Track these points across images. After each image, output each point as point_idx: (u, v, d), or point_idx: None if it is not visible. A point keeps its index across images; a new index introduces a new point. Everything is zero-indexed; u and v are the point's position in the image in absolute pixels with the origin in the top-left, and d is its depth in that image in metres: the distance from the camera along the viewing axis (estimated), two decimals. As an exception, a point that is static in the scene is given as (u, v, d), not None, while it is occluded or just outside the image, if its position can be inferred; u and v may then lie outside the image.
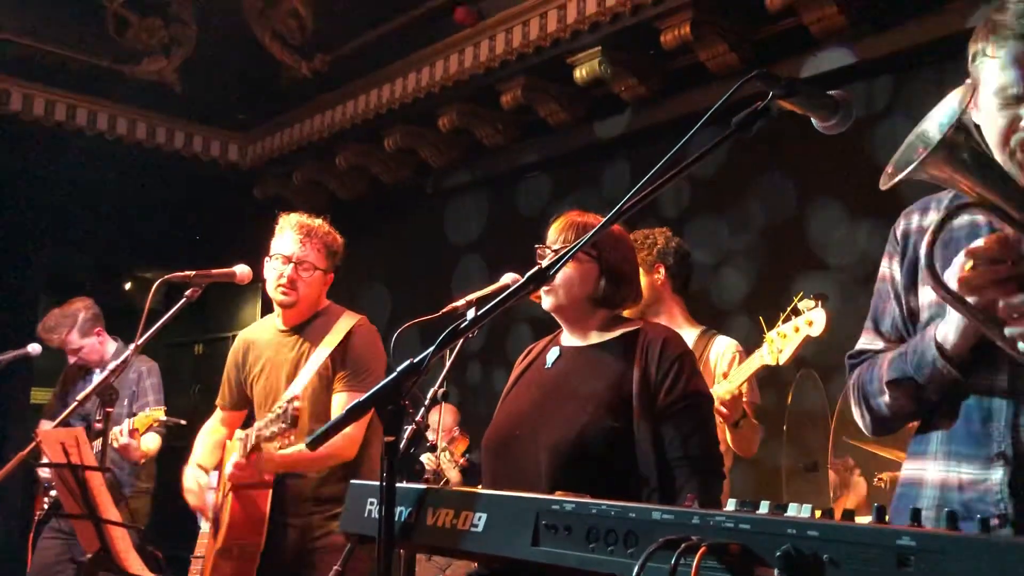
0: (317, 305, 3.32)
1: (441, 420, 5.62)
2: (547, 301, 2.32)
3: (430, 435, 5.65)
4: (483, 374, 6.17)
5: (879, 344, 1.81)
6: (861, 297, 4.21)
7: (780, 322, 3.07)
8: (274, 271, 3.25)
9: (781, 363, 3.04)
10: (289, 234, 3.26)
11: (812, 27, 4.70)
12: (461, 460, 4.82)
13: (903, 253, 1.78)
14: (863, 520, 1.03)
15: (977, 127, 1.60)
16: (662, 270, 3.39)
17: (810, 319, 3.00)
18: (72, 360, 4.84)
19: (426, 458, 4.96)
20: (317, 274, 3.25)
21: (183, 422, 4.45)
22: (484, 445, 2.37)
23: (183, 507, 3.31)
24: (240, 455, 3.03)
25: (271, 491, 3.10)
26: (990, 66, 1.57)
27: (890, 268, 1.81)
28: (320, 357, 3.15)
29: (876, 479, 3.44)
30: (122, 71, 7.22)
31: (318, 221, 3.33)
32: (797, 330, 3.02)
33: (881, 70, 4.63)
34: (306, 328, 3.28)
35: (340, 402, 3.12)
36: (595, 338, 2.34)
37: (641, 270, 3.39)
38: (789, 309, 3.05)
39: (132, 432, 4.30)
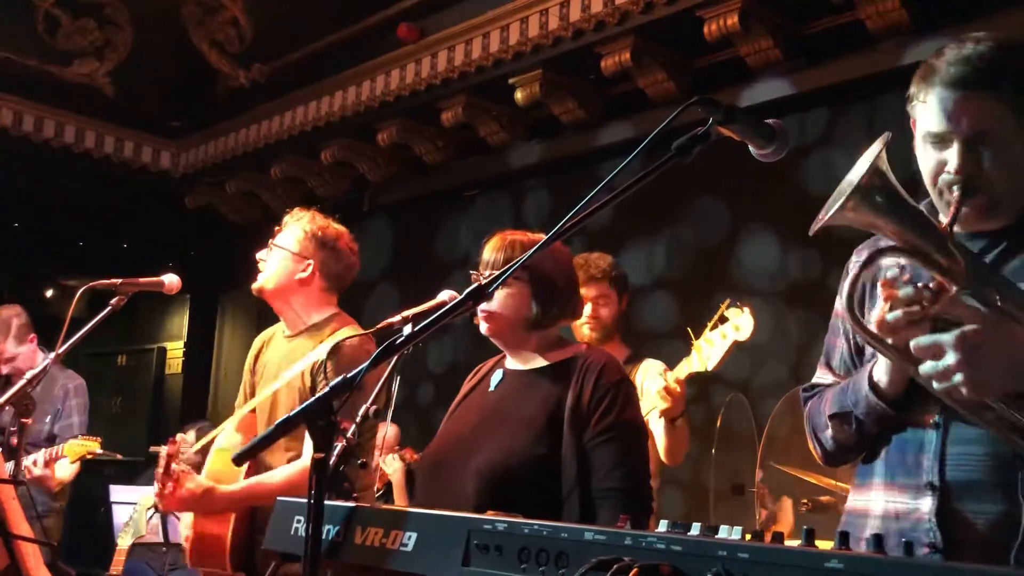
0: (312, 308, 2.99)
1: (384, 437, 5.65)
2: (484, 327, 2.31)
3: (375, 452, 5.66)
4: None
5: (829, 379, 1.87)
6: (790, 322, 4.35)
7: (708, 329, 3.10)
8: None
9: (709, 369, 3.07)
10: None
11: (748, 59, 4.82)
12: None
13: None
14: (793, 543, 1.05)
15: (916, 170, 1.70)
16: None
17: (737, 324, 3.04)
18: (3, 370, 4.64)
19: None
20: (287, 256, 2.95)
21: (119, 456, 4.24)
22: (419, 465, 2.34)
23: (97, 526, 3.18)
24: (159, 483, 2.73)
25: (233, 514, 2.78)
26: (920, 109, 1.67)
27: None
28: (294, 371, 2.86)
29: (801, 503, 3.51)
30: (51, 72, 7.01)
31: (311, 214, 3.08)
32: (724, 336, 3.05)
33: (815, 103, 4.76)
34: (304, 335, 2.97)
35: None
36: (536, 362, 2.33)
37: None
38: (716, 316, 3.08)
39: (48, 463, 4.12)
